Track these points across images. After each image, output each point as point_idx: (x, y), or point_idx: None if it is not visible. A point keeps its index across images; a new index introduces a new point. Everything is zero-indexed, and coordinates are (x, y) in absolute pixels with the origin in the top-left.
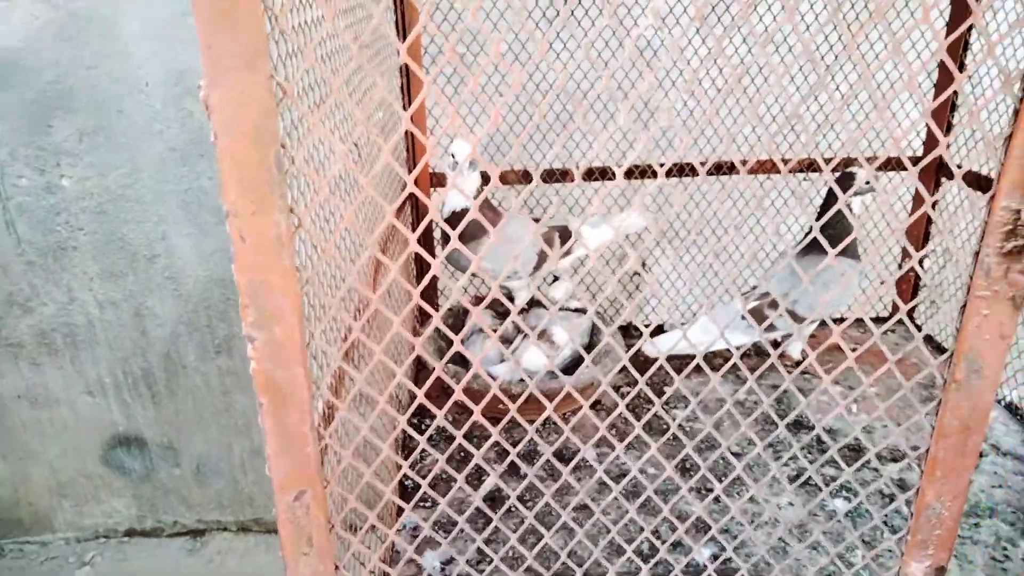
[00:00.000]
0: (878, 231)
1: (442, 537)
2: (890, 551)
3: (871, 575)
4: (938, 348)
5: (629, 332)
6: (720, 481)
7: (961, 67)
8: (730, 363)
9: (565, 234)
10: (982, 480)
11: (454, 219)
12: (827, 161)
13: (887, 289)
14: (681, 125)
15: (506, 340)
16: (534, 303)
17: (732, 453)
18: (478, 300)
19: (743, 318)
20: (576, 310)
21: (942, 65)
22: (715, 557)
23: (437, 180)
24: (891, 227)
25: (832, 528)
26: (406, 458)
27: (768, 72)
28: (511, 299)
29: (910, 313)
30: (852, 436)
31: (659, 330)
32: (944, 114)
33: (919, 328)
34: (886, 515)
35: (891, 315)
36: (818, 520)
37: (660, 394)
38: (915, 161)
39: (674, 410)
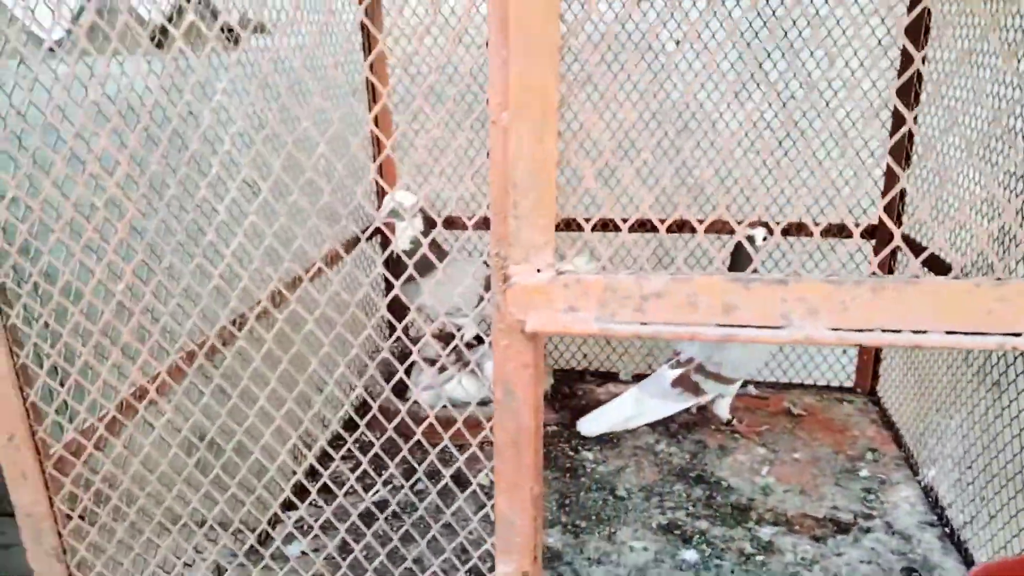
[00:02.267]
0: None
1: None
2: None
3: None
4: (888, 422)
5: (584, 376)
6: (592, 519)
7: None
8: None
9: None
10: (855, 554)
11: (398, 260)
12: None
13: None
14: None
15: (444, 370)
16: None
17: (616, 496)
18: (441, 335)
19: (672, 386)
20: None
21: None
22: None
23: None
24: None
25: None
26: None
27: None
28: (459, 335)
29: (871, 386)
30: (746, 496)
31: (611, 376)
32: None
33: (877, 400)
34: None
35: (855, 386)
36: (661, 566)
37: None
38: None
39: (585, 451)
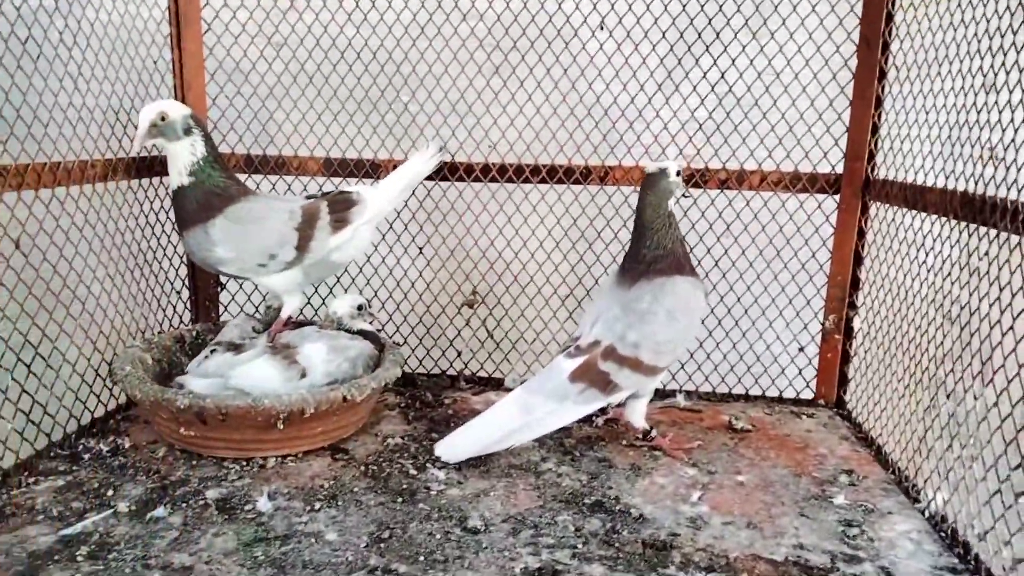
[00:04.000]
0: (789, 275)
1: None
2: None
3: None
4: (864, 438)
5: (456, 383)
6: (419, 561)
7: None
8: None
9: (340, 202)
10: None
11: (177, 198)
12: None
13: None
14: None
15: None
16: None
17: (466, 529)
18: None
19: (572, 381)
20: (364, 333)
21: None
22: None
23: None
24: (807, 272)
25: None
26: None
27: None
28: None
29: (838, 395)
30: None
31: (493, 382)
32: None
33: (846, 413)
34: None
35: (815, 398)
36: None
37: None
38: (831, 180)
39: (434, 468)
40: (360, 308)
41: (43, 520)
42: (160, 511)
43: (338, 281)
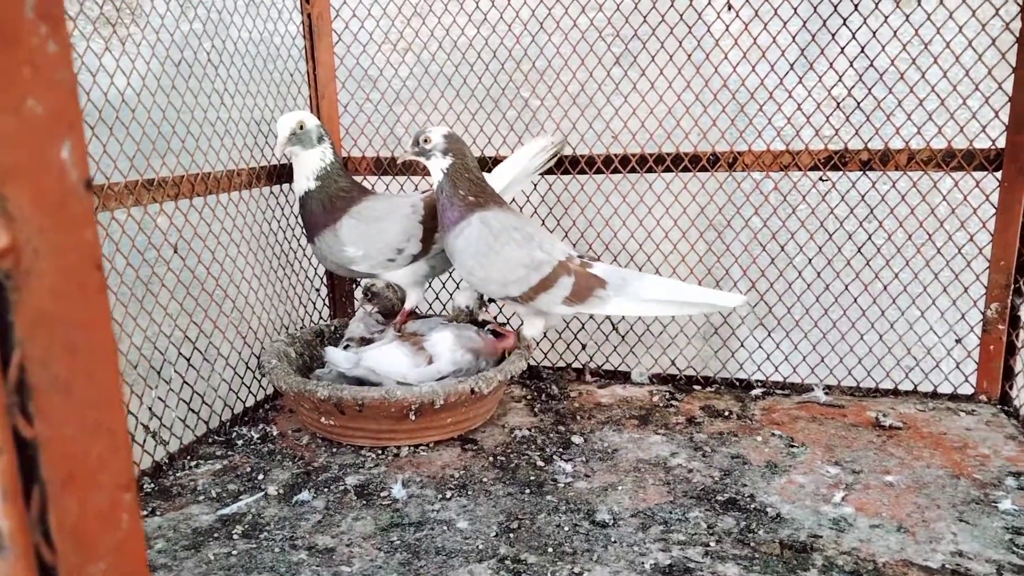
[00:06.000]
0: (943, 261)
1: None
2: None
3: None
4: None
5: (582, 376)
6: (548, 553)
7: None
8: None
9: None
10: None
11: (304, 203)
12: None
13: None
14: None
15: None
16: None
17: (595, 522)
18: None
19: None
20: (490, 327)
21: None
22: None
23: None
24: (964, 257)
25: None
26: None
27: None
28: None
29: (1003, 390)
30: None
31: (621, 377)
32: None
33: (1012, 410)
34: None
35: (975, 392)
36: None
37: (565, 445)
38: (991, 157)
39: (562, 461)
40: (482, 298)
41: (204, 500)
42: (305, 495)
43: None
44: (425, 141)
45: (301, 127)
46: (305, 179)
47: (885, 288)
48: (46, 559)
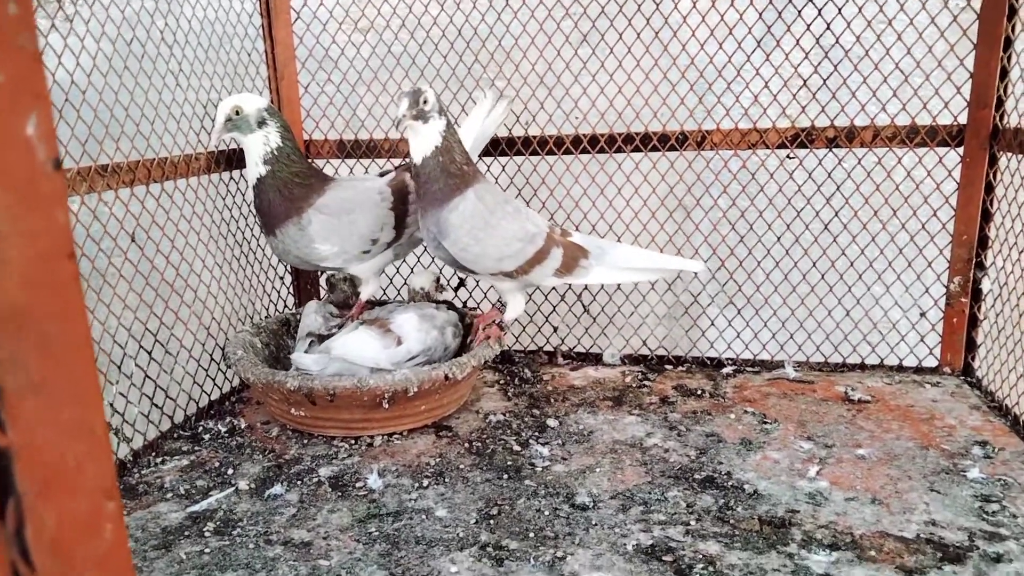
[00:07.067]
0: (907, 236)
1: None
2: None
3: None
4: (998, 407)
5: (554, 359)
6: (529, 538)
7: None
8: None
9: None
10: None
11: (259, 193)
12: None
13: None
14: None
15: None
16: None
17: (575, 505)
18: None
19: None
20: (448, 304)
21: None
22: None
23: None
24: (928, 232)
25: None
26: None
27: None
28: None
29: (966, 362)
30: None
31: (593, 359)
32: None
33: (975, 381)
34: None
35: (938, 365)
36: None
37: (540, 427)
38: (953, 133)
39: (538, 445)
40: (438, 280)
41: (172, 498)
42: (277, 488)
43: (418, 260)
44: (424, 101)
45: (237, 112)
46: (254, 165)
47: (851, 264)
48: None
